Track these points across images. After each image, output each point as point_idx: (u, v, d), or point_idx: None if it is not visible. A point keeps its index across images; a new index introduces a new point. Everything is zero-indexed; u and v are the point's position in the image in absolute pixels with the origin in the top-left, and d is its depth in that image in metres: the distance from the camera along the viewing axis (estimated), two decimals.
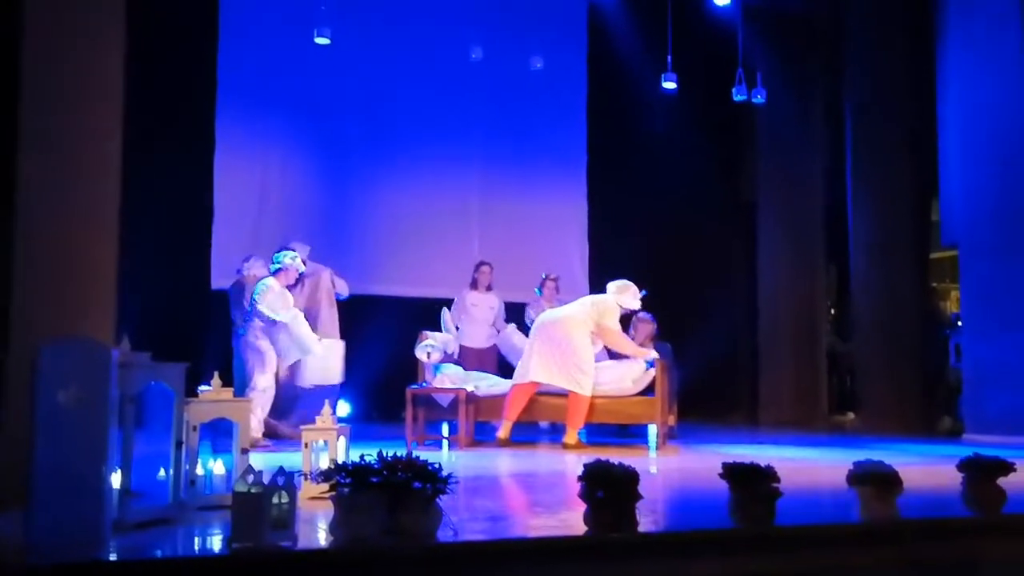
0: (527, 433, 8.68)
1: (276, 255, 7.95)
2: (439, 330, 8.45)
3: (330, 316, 8.37)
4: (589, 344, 7.81)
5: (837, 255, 11.83)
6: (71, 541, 3.26)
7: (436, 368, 8.04)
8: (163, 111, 9.32)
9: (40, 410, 3.31)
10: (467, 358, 8.91)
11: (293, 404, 8.12)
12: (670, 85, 9.93)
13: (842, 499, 4.35)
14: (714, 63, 10.55)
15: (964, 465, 4.37)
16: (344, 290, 8.63)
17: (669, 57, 9.81)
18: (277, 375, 7.93)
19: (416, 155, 11.05)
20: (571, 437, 7.67)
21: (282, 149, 10.71)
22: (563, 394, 7.79)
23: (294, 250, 8.07)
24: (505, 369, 8.89)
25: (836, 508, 4.59)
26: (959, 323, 10.04)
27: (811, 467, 6.40)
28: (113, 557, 3.28)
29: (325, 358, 7.91)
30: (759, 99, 10.06)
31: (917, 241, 10.66)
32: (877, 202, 10.73)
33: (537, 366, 7.76)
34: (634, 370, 7.88)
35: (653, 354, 7.94)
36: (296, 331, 7.69)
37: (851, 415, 11.37)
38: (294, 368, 8.00)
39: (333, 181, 10.90)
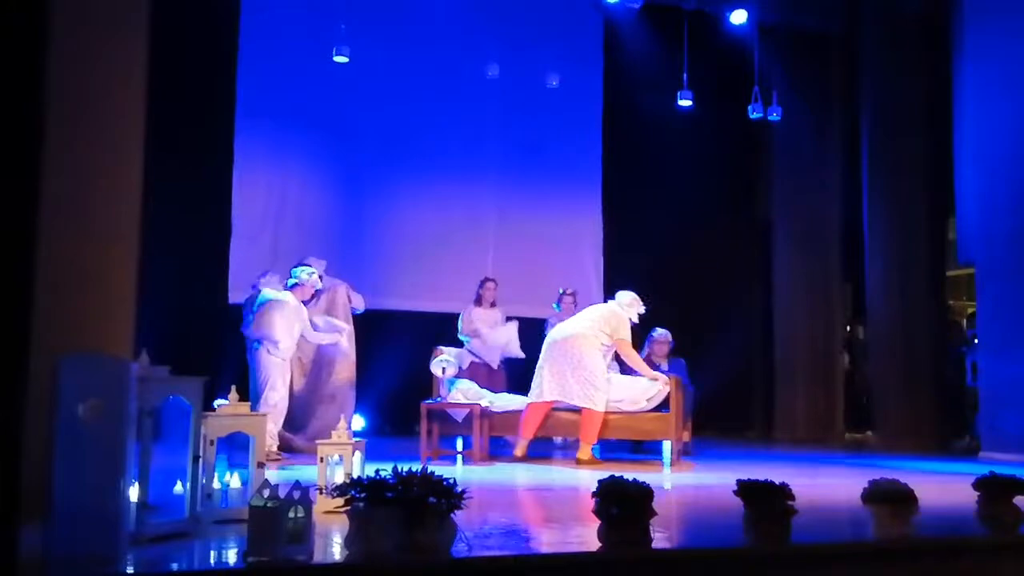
0: (541, 449, 8.68)
1: (293, 270, 8.02)
2: (454, 345, 8.48)
3: (347, 331, 8.43)
4: (601, 359, 7.82)
5: (853, 273, 11.79)
6: (89, 554, 3.28)
7: (451, 383, 8.06)
8: (182, 127, 9.42)
9: (59, 424, 3.34)
10: (477, 373, 8.92)
11: (308, 417, 8.17)
12: (686, 102, 9.98)
13: (857, 517, 4.34)
14: (730, 81, 10.59)
15: (980, 484, 4.36)
16: (360, 305, 8.68)
17: (685, 74, 9.86)
18: (291, 388, 7.99)
19: (432, 171, 11.11)
20: (584, 452, 7.67)
21: (299, 165, 10.78)
22: (576, 410, 7.80)
23: (311, 265, 8.13)
24: (514, 384, 8.93)
25: (851, 526, 4.58)
26: (975, 341, 10.00)
27: (826, 485, 6.38)
28: (130, 570, 3.30)
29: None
30: (775, 117, 10.09)
31: (933, 259, 10.64)
32: (893, 220, 10.71)
33: (551, 384, 7.77)
34: (649, 389, 7.87)
35: (662, 378, 7.92)
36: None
37: (867, 433, 11.31)
38: (314, 377, 8.12)
39: (350, 197, 10.96)
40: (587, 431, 7.70)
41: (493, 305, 9.34)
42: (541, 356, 8.00)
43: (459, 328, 9.13)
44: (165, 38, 5.66)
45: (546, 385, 7.77)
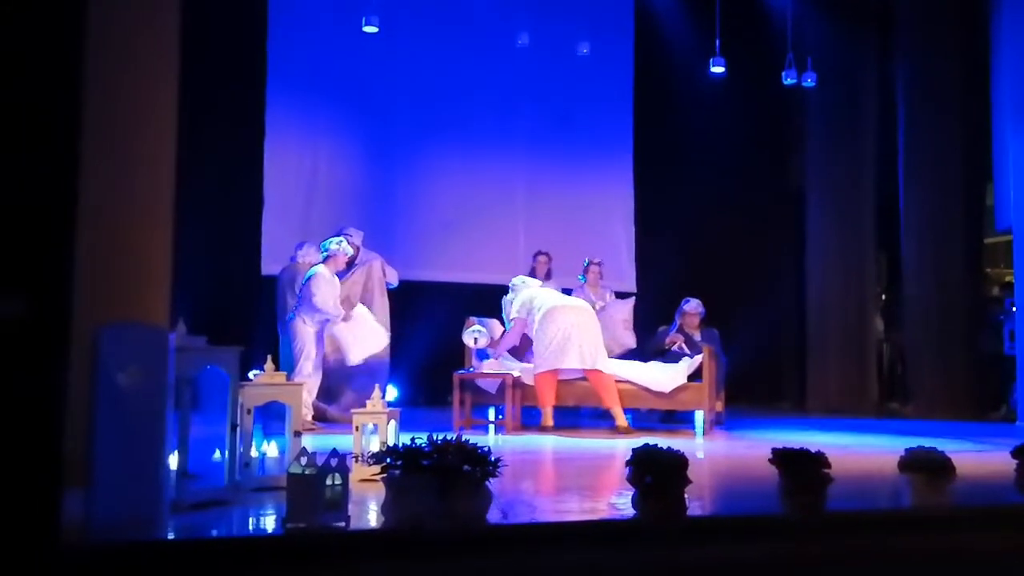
0: (571, 418, 8.71)
1: (324, 243, 8.06)
2: (487, 316, 8.48)
3: (382, 305, 8.46)
4: None
5: (888, 241, 11.66)
6: (130, 520, 3.34)
7: (482, 354, 8.09)
8: (213, 100, 9.45)
9: (100, 392, 3.39)
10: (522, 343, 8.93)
11: (342, 387, 8.23)
12: (718, 69, 9.86)
13: (893, 486, 4.32)
14: (763, 47, 10.46)
15: (1019, 452, 4.32)
16: (394, 279, 8.70)
17: (717, 41, 9.73)
18: (325, 358, 8.05)
19: (463, 141, 11.09)
20: (622, 419, 7.69)
21: (331, 136, 10.80)
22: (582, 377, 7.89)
23: (348, 235, 8.17)
24: None
25: (887, 495, 4.57)
26: (1013, 309, 9.87)
27: (861, 454, 6.35)
28: (171, 536, 3.36)
29: (360, 329, 8.05)
30: (809, 82, 9.95)
31: (970, 226, 10.49)
32: (929, 187, 10.57)
33: (574, 352, 7.75)
34: (675, 376, 7.91)
35: (684, 363, 8.01)
36: (364, 323, 7.90)
37: (902, 403, 11.23)
38: (342, 350, 8.14)
39: (381, 168, 10.97)
40: (614, 395, 7.74)
41: (548, 277, 9.29)
42: (551, 324, 7.82)
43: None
44: (195, 11, 5.68)
45: (570, 353, 7.74)
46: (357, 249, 8.44)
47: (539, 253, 9.44)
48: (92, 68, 3.42)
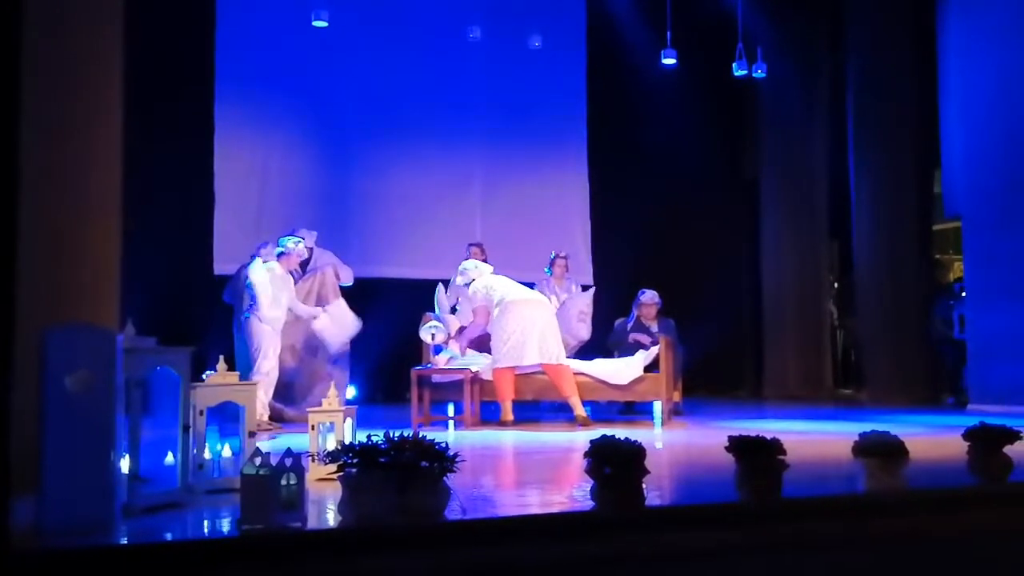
0: (531, 412, 8.71)
1: (281, 239, 8.01)
2: (435, 310, 8.46)
3: (346, 310, 8.38)
4: None
5: (840, 229, 11.80)
6: (81, 526, 3.28)
7: (438, 349, 8.06)
8: (161, 96, 9.31)
9: (47, 396, 3.32)
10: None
11: (305, 394, 8.12)
12: (670, 61, 9.90)
13: (848, 471, 4.36)
14: (714, 38, 10.51)
15: (970, 434, 4.38)
16: (348, 278, 8.64)
17: (668, 32, 9.76)
18: (287, 366, 8.00)
19: (416, 136, 11.02)
20: (581, 410, 7.70)
21: (282, 133, 10.69)
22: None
23: (301, 237, 8.12)
24: None
25: (842, 480, 4.61)
26: (963, 294, 10.03)
27: (817, 440, 6.41)
28: (124, 541, 3.30)
29: (337, 323, 8.21)
30: (760, 74, 10.02)
31: (920, 213, 10.63)
32: (879, 175, 10.69)
33: (533, 348, 7.72)
34: (631, 368, 7.92)
35: (638, 356, 8.02)
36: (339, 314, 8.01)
37: (857, 389, 11.37)
38: (308, 356, 8.13)
39: (334, 164, 10.88)
40: (573, 387, 7.73)
41: None
42: (512, 319, 7.79)
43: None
44: (140, 5, 5.58)
45: (530, 349, 7.71)
46: (310, 251, 8.39)
47: (471, 244, 9.39)
48: (30, 66, 3.34)
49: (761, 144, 12.09)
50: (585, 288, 9.62)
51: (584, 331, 8.88)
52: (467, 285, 8.10)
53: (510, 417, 7.75)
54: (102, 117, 4.60)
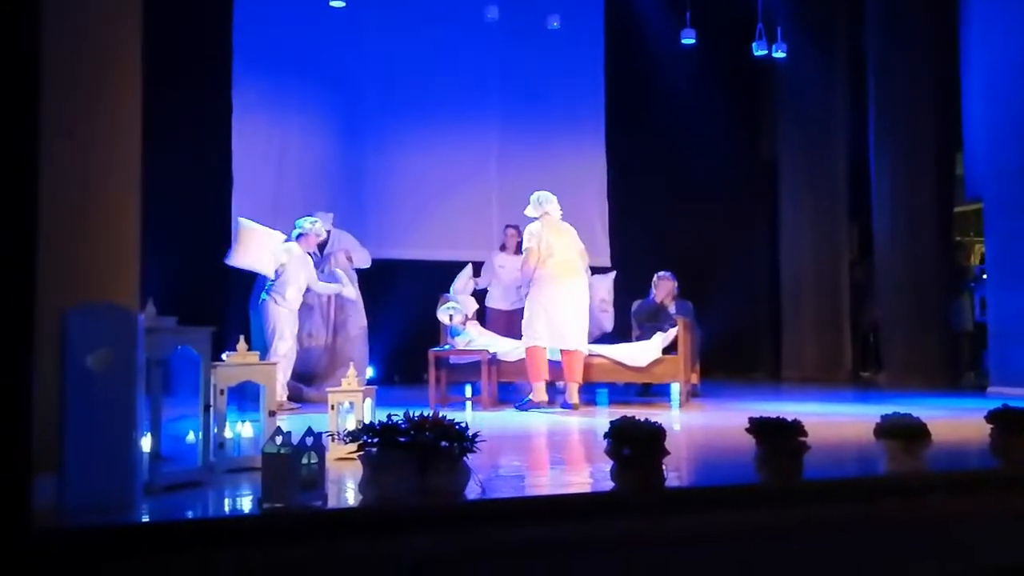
0: (548, 394, 8.70)
1: (297, 221, 8.02)
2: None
3: (352, 294, 8.37)
4: None
5: (859, 211, 11.71)
6: (103, 504, 3.29)
7: (453, 331, 8.05)
8: (179, 79, 9.31)
9: (69, 375, 3.33)
10: (495, 320, 8.93)
11: (327, 376, 8.13)
12: (689, 41, 9.82)
13: (870, 453, 4.34)
14: (734, 17, 10.41)
15: (993, 416, 4.35)
16: (365, 260, 8.63)
17: (688, 12, 9.69)
18: (303, 343, 8.02)
19: (434, 117, 10.99)
20: (576, 397, 7.63)
21: (300, 114, 10.67)
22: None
23: (317, 219, 8.14)
24: None
25: (864, 462, 4.59)
26: (984, 276, 9.94)
27: (837, 422, 6.38)
28: (145, 519, 3.32)
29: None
30: (780, 53, 9.94)
31: (941, 195, 10.52)
32: (900, 157, 10.58)
33: (571, 334, 7.63)
34: (649, 350, 7.88)
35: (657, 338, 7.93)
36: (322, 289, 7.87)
37: (876, 371, 11.31)
38: (329, 339, 8.15)
39: (351, 146, 10.86)
40: (580, 373, 7.67)
41: (517, 251, 9.24)
42: (551, 298, 7.66)
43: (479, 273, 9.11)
44: None
45: (573, 329, 7.65)
46: (327, 232, 8.40)
47: (508, 226, 9.39)
48: (51, 48, 3.34)
49: (780, 124, 12.00)
50: (595, 270, 9.54)
51: (607, 322, 8.83)
52: (532, 221, 7.89)
53: (544, 398, 7.59)
54: (121, 99, 4.61)
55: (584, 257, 8.01)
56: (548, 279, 7.66)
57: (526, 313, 7.77)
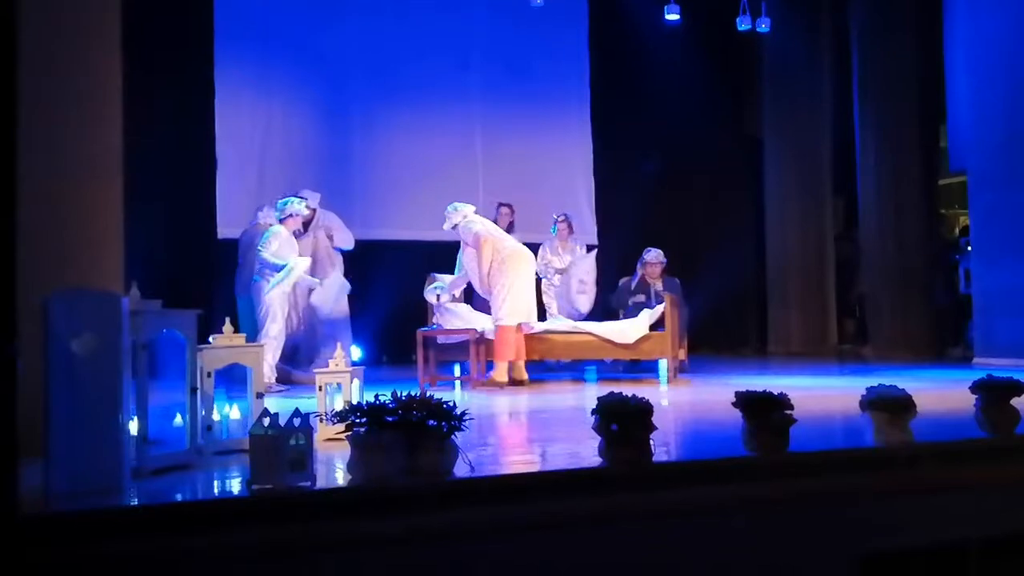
0: (535, 371, 8.72)
1: (280, 202, 7.98)
2: (447, 272, 8.43)
3: (335, 275, 8.34)
4: None
5: (844, 185, 11.74)
6: (91, 488, 3.29)
7: (442, 309, 8.04)
8: (161, 60, 9.24)
9: (53, 360, 3.32)
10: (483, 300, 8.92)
11: (312, 356, 8.13)
12: (673, 16, 9.78)
13: (855, 425, 4.37)
14: None
15: (978, 387, 4.38)
16: (348, 242, 8.58)
17: None
18: (291, 322, 8.00)
19: (418, 96, 10.93)
20: (504, 376, 7.62)
21: (283, 94, 10.59)
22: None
23: (304, 198, 8.12)
24: None
25: (850, 434, 4.62)
26: (968, 248, 9.99)
27: (823, 395, 6.42)
28: (134, 503, 3.31)
29: (327, 290, 8.14)
30: (764, 28, 9.92)
31: (925, 168, 10.55)
32: (884, 130, 10.60)
33: (533, 307, 7.78)
34: (636, 326, 7.91)
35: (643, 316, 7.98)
36: (298, 274, 7.79)
37: (862, 345, 11.37)
38: (309, 313, 8.12)
39: (335, 126, 10.79)
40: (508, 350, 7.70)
41: (510, 231, 9.21)
42: (516, 274, 7.69)
43: None
44: None
45: (530, 307, 7.77)
46: (313, 211, 8.35)
47: (502, 204, 9.37)
48: (29, 32, 3.31)
49: (765, 100, 12.00)
50: (589, 249, 9.56)
51: (584, 303, 8.83)
52: (454, 228, 7.94)
53: (504, 379, 7.59)
54: (102, 81, 4.57)
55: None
56: (511, 259, 7.72)
57: (500, 292, 7.69)
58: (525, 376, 7.69)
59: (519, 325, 7.71)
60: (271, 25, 10.43)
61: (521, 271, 7.75)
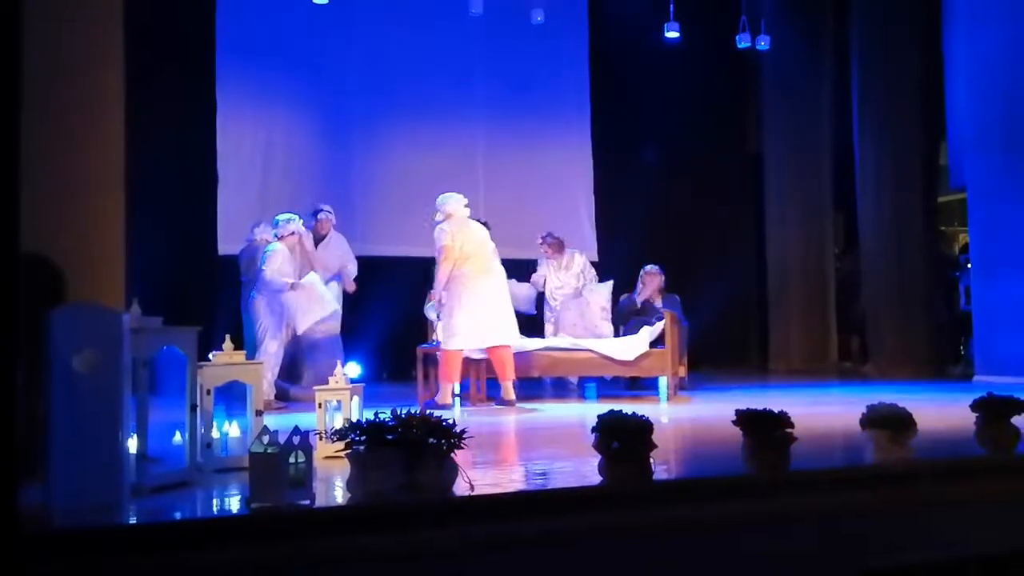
0: (534, 389, 8.73)
1: (276, 219, 8.00)
2: None
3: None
4: None
5: (844, 201, 11.75)
6: (91, 506, 3.28)
7: None
8: (163, 76, 9.27)
9: (54, 377, 3.32)
10: None
11: (300, 366, 8.15)
12: (673, 34, 9.82)
13: (856, 442, 4.36)
14: (718, 10, 10.42)
15: (978, 405, 4.37)
16: (349, 282, 8.54)
17: (671, 6, 9.68)
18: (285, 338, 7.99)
19: (419, 113, 10.97)
20: (512, 394, 7.52)
21: (284, 110, 10.63)
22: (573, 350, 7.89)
23: (327, 212, 8.37)
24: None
25: (851, 451, 4.61)
26: (968, 266, 10.00)
27: (824, 413, 6.40)
28: (133, 520, 3.31)
29: (308, 298, 7.89)
30: (763, 46, 9.96)
31: (925, 184, 10.56)
32: (884, 147, 10.62)
33: (487, 329, 7.48)
34: (636, 344, 7.90)
35: (643, 333, 7.96)
36: (313, 291, 7.77)
37: (862, 362, 11.36)
38: (293, 329, 8.11)
39: (336, 142, 10.83)
40: (511, 370, 7.55)
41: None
42: (469, 297, 7.43)
43: None
44: None
45: (489, 329, 7.48)
46: (330, 227, 8.47)
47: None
48: (31, 45, 3.32)
49: (765, 117, 12.03)
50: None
51: (606, 328, 8.79)
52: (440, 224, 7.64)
53: (447, 401, 7.45)
54: (104, 97, 4.58)
55: (496, 255, 7.80)
56: (466, 278, 7.46)
57: (444, 314, 7.52)
58: (512, 396, 7.47)
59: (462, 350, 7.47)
60: (273, 41, 10.47)
61: (478, 291, 7.45)
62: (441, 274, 7.49)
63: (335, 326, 8.29)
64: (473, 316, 7.40)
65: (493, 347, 7.51)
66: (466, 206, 7.73)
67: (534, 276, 9.40)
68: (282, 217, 7.98)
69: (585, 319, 8.52)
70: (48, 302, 3.45)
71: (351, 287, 8.52)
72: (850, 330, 12.01)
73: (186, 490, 3.78)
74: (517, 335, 7.75)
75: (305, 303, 7.82)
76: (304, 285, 7.84)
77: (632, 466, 3.65)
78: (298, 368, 8.20)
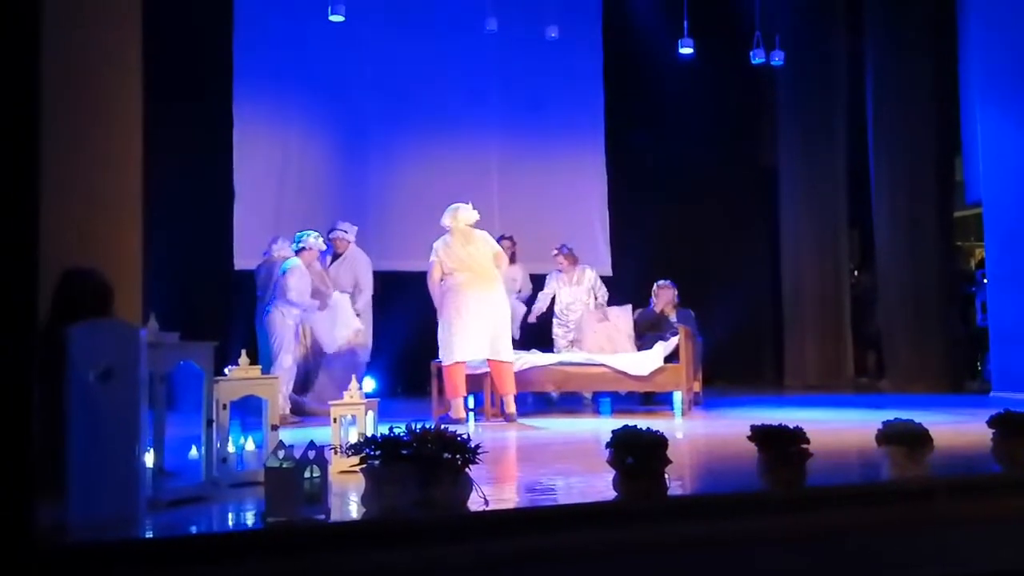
0: (546, 404, 8.74)
1: (297, 234, 8.05)
2: None
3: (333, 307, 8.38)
4: None
5: (859, 217, 11.72)
6: (108, 520, 3.30)
7: None
8: (180, 93, 9.34)
9: (72, 391, 3.34)
10: None
11: (314, 380, 8.20)
12: (687, 50, 9.84)
13: (872, 459, 4.34)
14: (732, 26, 10.44)
15: (995, 421, 4.35)
16: (363, 298, 8.62)
17: (685, 22, 9.71)
18: (298, 352, 8.04)
19: (434, 129, 11.01)
20: (513, 407, 7.51)
21: (300, 127, 10.70)
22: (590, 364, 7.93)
23: (344, 231, 8.49)
24: (531, 340, 8.95)
25: (866, 468, 4.59)
26: (984, 281, 9.95)
27: (839, 428, 6.38)
28: (149, 535, 3.32)
29: (337, 318, 8.11)
30: (777, 62, 9.96)
31: (940, 200, 10.53)
32: (899, 162, 10.60)
33: (483, 342, 7.47)
34: (651, 359, 7.89)
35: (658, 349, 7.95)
36: (339, 311, 7.86)
37: (878, 377, 11.30)
38: (314, 342, 8.16)
39: (352, 158, 10.88)
40: (512, 385, 7.55)
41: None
42: (465, 310, 7.45)
43: None
44: (157, 1, 5.60)
45: (486, 343, 7.48)
46: (347, 243, 8.60)
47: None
48: (50, 65, 3.37)
49: (780, 132, 12.01)
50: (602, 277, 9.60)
51: (631, 348, 8.80)
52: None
53: (462, 415, 7.49)
54: (122, 115, 4.63)
55: (500, 261, 7.76)
56: (458, 292, 7.46)
57: (440, 330, 7.56)
58: (511, 410, 7.45)
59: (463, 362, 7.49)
60: (289, 60, 10.56)
61: (469, 305, 7.43)
62: (430, 290, 7.66)
63: (365, 341, 8.37)
64: (464, 329, 7.41)
65: (491, 361, 7.52)
66: (467, 217, 7.74)
67: (541, 294, 9.43)
68: (304, 234, 8.06)
69: (614, 343, 8.48)
70: (67, 318, 3.47)
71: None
72: (866, 345, 11.94)
73: (202, 504, 3.80)
74: (511, 351, 7.68)
75: (329, 324, 7.92)
76: (330, 305, 7.94)
77: (647, 482, 3.65)
78: (314, 381, 8.23)
